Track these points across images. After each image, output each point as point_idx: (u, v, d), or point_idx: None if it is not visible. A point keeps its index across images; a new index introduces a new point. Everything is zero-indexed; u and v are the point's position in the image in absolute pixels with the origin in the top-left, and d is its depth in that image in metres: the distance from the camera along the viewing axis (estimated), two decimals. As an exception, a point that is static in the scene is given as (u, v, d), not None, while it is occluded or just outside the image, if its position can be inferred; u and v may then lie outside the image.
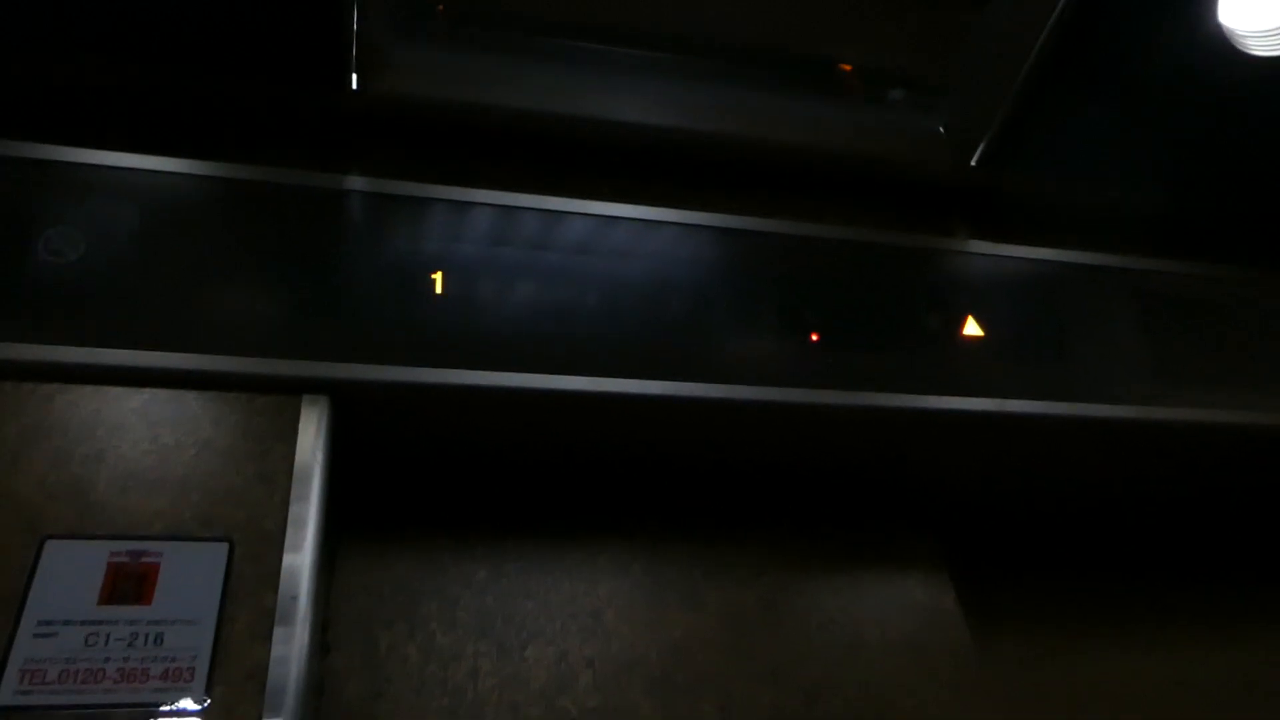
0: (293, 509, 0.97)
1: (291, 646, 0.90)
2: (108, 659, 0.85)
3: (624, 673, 1.18)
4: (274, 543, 0.95)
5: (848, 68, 1.63)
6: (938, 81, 1.56)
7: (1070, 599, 1.55)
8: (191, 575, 0.91)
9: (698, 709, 1.17)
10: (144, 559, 0.91)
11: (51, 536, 0.90)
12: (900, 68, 1.60)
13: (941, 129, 1.50)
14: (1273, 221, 1.66)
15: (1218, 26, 1.32)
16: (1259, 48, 1.36)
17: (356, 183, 1.21)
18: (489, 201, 1.24)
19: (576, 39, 1.46)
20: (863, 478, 1.44)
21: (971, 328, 1.36)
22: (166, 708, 0.84)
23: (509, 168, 1.32)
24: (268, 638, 0.89)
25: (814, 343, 1.28)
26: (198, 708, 0.84)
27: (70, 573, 0.88)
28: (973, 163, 1.45)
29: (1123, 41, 1.33)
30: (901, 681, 1.25)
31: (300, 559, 0.95)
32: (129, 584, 0.89)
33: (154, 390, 1.02)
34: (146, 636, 0.87)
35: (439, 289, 1.16)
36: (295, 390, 1.06)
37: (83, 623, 0.86)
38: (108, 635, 0.86)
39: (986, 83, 1.41)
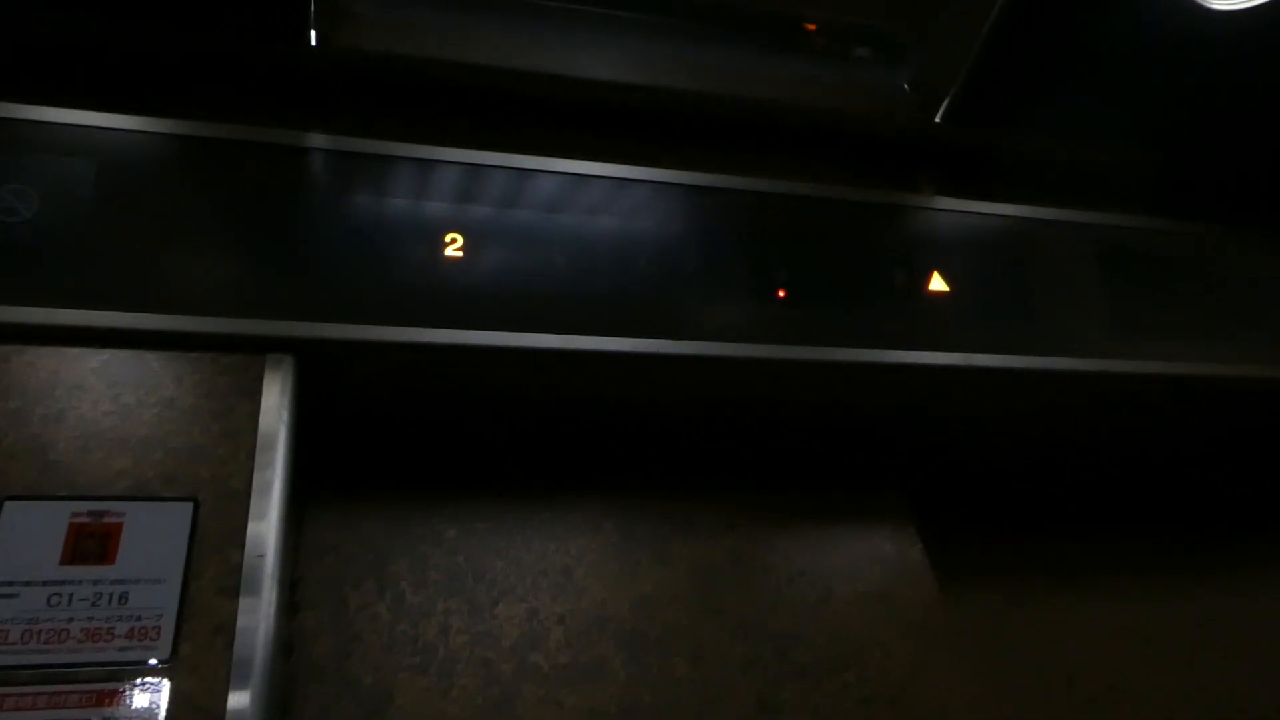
0: (258, 467, 0.97)
1: (258, 605, 0.90)
2: (71, 619, 0.84)
3: (595, 628, 1.18)
4: (239, 501, 0.94)
5: (812, 26, 1.62)
6: (902, 38, 1.55)
7: (1034, 550, 1.58)
8: (156, 534, 0.90)
9: (669, 663, 1.18)
10: (106, 518, 0.90)
11: (11, 497, 0.88)
12: (864, 25, 1.60)
13: (906, 85, 1.50)
14: (1237, 176, 1.68)
15: (1178, -19, 1.33)
16: (1219, 1, 1.37)
17: (318, 140, 1.18)
18: (452, 159, 1.22)
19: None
20: (831, 433, 1.45)
21: (937, 283, 1.37)
22: (132, 666, 0.83)
23: (472, 125, 1.31)
24: (234, 596, 0.89)
25: (780, 299, 1.28)
26: (164, 666, 0.84)
27: (31, 533, 0.87)
28: (937, 119, 1.45)
29: (1085, -4, 1.33)
30: (870, 632, 1.27)
31: (266, 517, 0.94)
32: (91, 544, 0.88)
33: (114, 350, 1.00)
34: (110, 596, 0.86)
35: (403, 246, 1.15)
36: (259, 349, 1.05)
37: (45, 583, 0.85)
38: (70, 595, 0.85)
39: (950, 39, 1.40)
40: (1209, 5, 1.36)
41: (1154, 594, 1.59)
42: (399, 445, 1.25)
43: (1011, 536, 1.59)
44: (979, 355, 1.32)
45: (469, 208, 1.21)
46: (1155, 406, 1.52)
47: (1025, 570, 1.54)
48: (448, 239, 1.18)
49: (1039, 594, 1.52)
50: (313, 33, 1.19)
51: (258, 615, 0.89)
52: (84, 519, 0.89)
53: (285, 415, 1.02)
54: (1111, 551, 1.62)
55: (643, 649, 1.18)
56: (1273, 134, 1.59)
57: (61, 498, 0.90)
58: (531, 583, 1.19)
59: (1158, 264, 1.51)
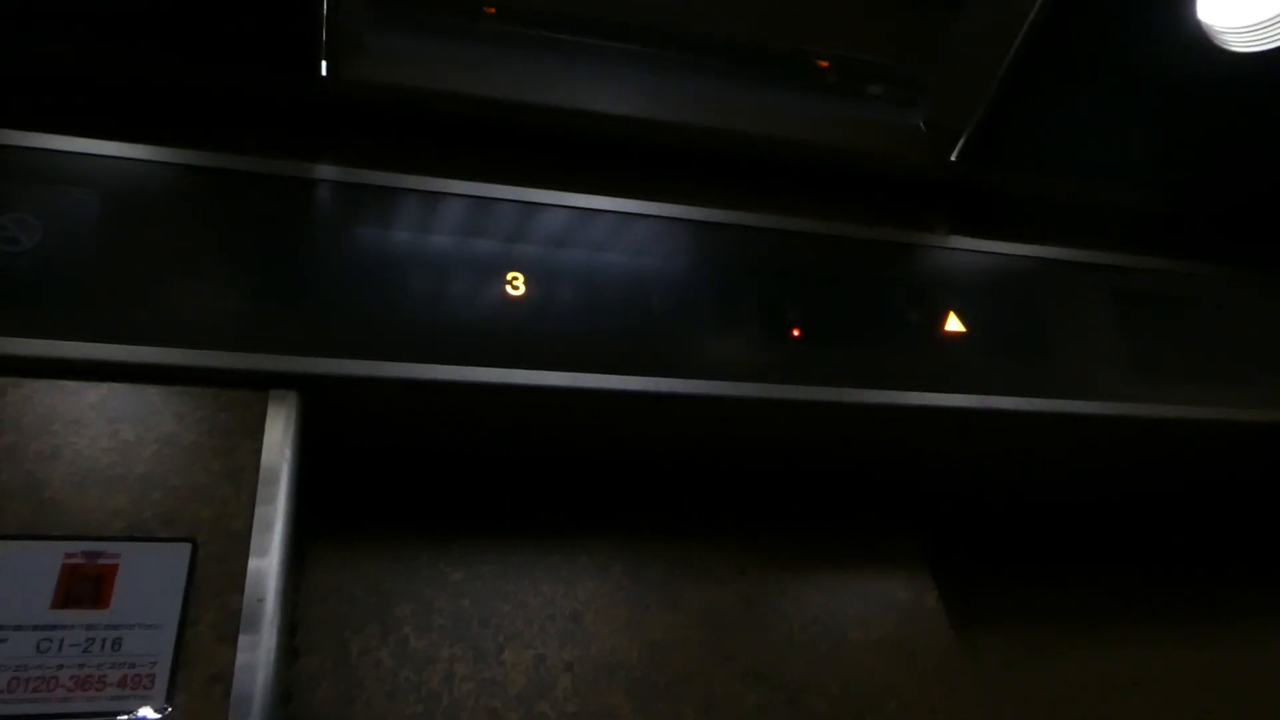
0: (259, 507, 0.94)
1: (258, 651, 0.86)
2: (61, 666, 0.81)
3: (604, 675, 1.14)
4: (240, 542, 0.91)
5: (825, 64, 1.61)
6: (917, 76, 1.54)
7: (1050, 596, 1.55)
8: (152, 577, 0.87)
9: (679, 711, 1.14)
10: (101, 560, 0.86)
11: (2, 537, 0.85)
12: (879, 63, 1.59)
13: (921, 124, 1.49)
14: (1254, 218, 1.67)
15: (1197, 23, 1.32)
16: (1238, 44, 1.36)
17: (327, 171, 1.17)
18: (462, 192, 1.21)
19: (554, 30, 1.43)
20: (844, 475, 1.42)
21: (953, 323, 1.35)
22: (125, 716, 0.80)
23: (483, 158, 1.29)
24: (233, 641, 0.85)
25: (795, 338, 1.26)
26: (158, 716, 0.80)
27: (21, 575, 0.84)
28: (952, 158, 1.44)
29: (1102, 37, 1.33)
30: (885, 680, 1.23)
31: (267, 559, 0.91)
32: (85, 586, 0.85)
33: (114, 385, 0.97)
34: (104, 641, 0.83)
35: (412, 281, 1.13)
36: (263, 385, 1.02)
37: (35, 627, 0.82)
38: (61, 640, 0.82)
39: (966, 79, 1.39)
40: (1228, 47, 1.35)
41: (1170, 641, 1.55)
42: (404, 485, 1.22)
43: (1027, 582, 1.55)
44: (994, 398, 1.29)
45: (478, 242, 1.19)
46: (1172, 450, 1.50)
47: (1041, 617, 1.51)
48: (457, 274, 1.16)
49: (1055, 641, 1.49)
50: (324, 64, 1.18)
51: (256, 662, 0.85)
52: (78, 560, 0.86)
53: (288, 453, 0.99)
54: (1128, 598, 1.59)
55: (653, 697, 1.14)
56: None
57: (55, 538, 0.86)
58: (539, 628, 1.16)
59: (1173, 305, 1.50)
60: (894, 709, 1.22)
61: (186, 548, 0.89)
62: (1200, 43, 1.33)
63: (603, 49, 1.47)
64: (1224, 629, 1.61)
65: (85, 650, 0.82)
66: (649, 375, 1.16)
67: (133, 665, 0.82)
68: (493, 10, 1.38)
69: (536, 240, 1.22)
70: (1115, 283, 1.47)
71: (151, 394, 0.98)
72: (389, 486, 1.21)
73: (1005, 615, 1.48)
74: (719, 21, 1.53)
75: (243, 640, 0.86)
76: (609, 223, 1.27)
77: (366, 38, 1.22)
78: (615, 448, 1.27)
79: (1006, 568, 1.56)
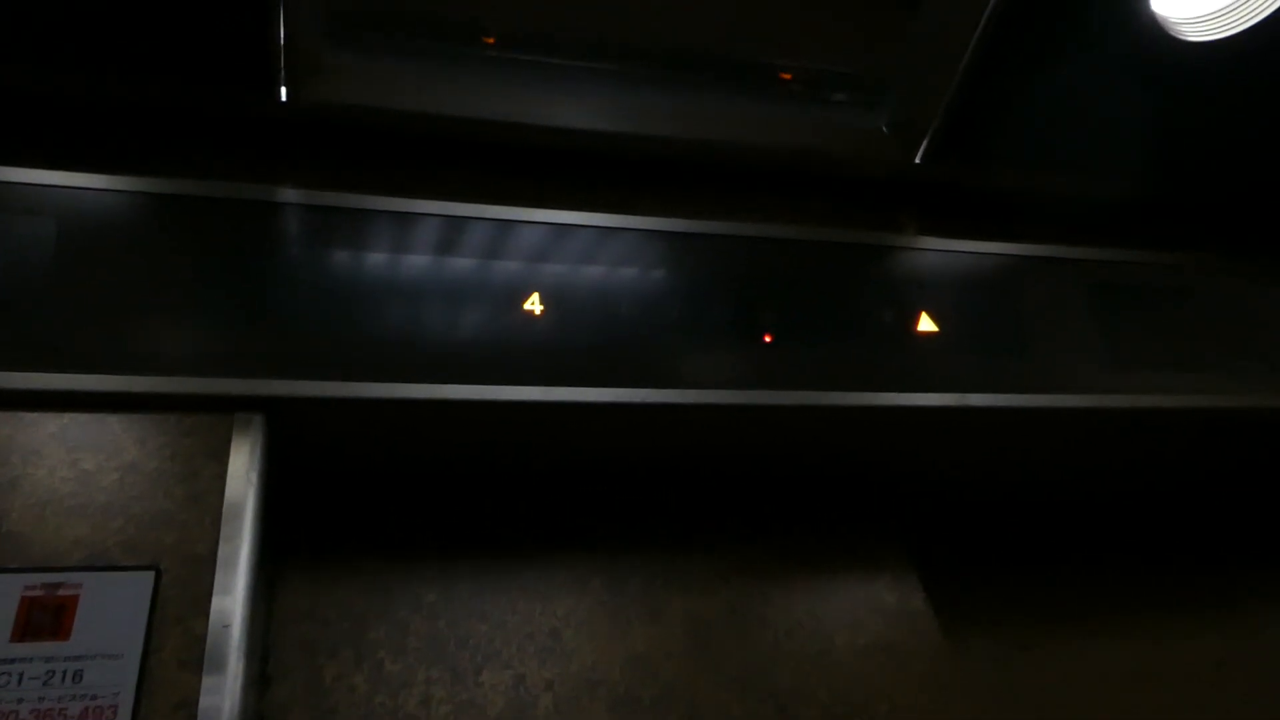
0: (225, 532, 0.92)
1: (224, 678, 0.84)
2: (20, 700, 0.79)
3: (586, 693, 1.12)
4: (204, 568, 0.89)
5: (788, 76, 1.62)
6: (878, 82, 1.55)
7: (1040, 593, 1.53)
8: (114, 606, 0.85)
9: (665, 726, 1.12)
10: (61, 591, 0.85)
11: (-41, 571, 0.83)
12: (840, 70, 1.60)
13: (885, 127, 1.49)
14: (1220, 205, 1.68)
15: (1151, 14, 1.33)
16: (1192, 34, 1.37)
17: (288, 194, 1.16)
18: (426, 211, 1.20)
19: (516, 47, 1.44)
20: (825, 479, 1.41)
21: (925, 323, 1.34)
22: (87, 750, 0.78)
23: (447, 177, 1.29)
24: (197, 669, 0.84)
25: (767, 343, 1.25)
26: (121, 748, 0.78)
27: (-21, 609, 0.82)
28: (917, 159, 1.44)
29: (1058, 32, 1.33)
30: (874, 685, 1.21)
31: (233, 585, 0.89)
32: (45, 618, 0.83)
33: (74, 414, 0.96)
34: (64, 674, 0.81)
35: (378, 301, 1.12)
36: (227, 409, 1.01)
37: (-7, 662, 0.80)
38: (21, 674, 0.80)
39: (925, 80, 1.40)
40: (1184, 38, 1.36)
41: (1166, 634, 1.53)
42: (375, 506, 1.21)
43: (1016, 579, 1.54)
44: (972, 395, 1.29)
45: (444, 260, 1.19)
46: (1155, 441, 1.49)
47: (1032, 614, 1.49)
48: (423, 293, 1.15)
49: (1047, 638, 1.47)
50: (283, 87, 1.18)
51: (223, 690, 0.84)
52: (37, 592, 0.84)
53: (254, 477, 0.97)
54: (1120, 591, 1.57)
55: (636, 712, 1.12)
56: (1251, 160, 1.59)
57: (13, 570, 0.85)
58: (517, 647, 1.14)
59: (1144, 295, 1.50)
60: (885, 713, 1.20)
61: (149, 576, 0.88)
62: (1157, 33, 1.34)
63: (568, 66, 1.47)
64: (1219, 619, 1.59)
65: (45, 683, 0.80)
66: (620, 386, 1.15)
67: (94, 697, 0.80)
68: (456, 29, 1.38)
69: (504, 256, 1.22)
70: (1086, 275, 1.47)
71: (112, 422, 0.97)
72: (360, 507, 1.20)
73: (994, 614, 1.46)
74: (682, 38, 1.54)
75: (209, 667, 0.84)
76: (576, 237, 1.27)
77: (325, 59, 1.22)
78: (590, 460, 1.26)
79: (994, 566, 1.54)
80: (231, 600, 0.88)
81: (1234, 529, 1.74)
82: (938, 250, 1.43)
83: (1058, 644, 1.45)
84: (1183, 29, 1.36)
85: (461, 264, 1.19)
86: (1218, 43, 1.35)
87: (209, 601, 0.87)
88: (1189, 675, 1.47)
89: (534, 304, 1.19)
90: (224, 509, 0.94)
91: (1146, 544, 1.67)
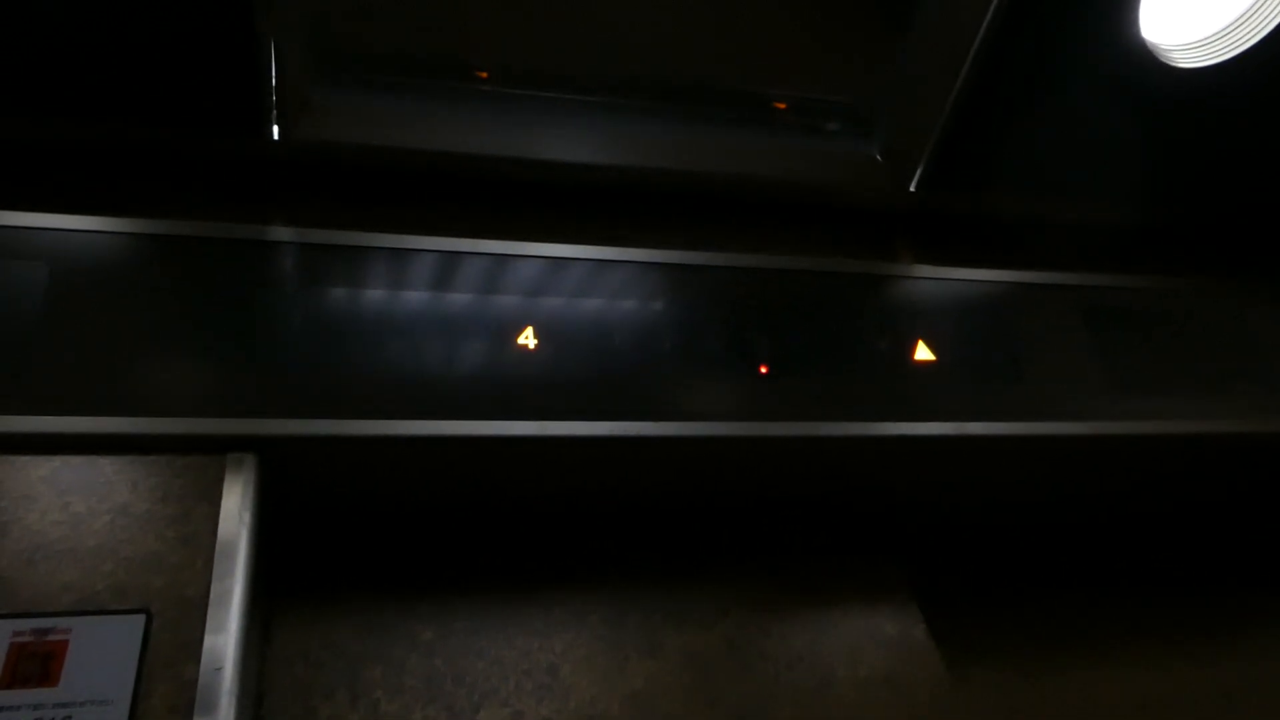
0: (217, 574, 0.92)
1: (217, 722, 0.83)
2: (9, 748, 0.78)
3: (584, 730, 1.11)
4: (196, 611, 0.89)
5: (782, 105, 1.63)
6: (871, 111, 1.56)
7: (1044, 622, 1.51)
8: (104, 651, 0.85)
9: (664, 763, 1.11)
10: (50, 636, 0.84)
11: (-52, 618, 0.83)
12: (833, 99, 1.60)
13: (878, 156, 1.50)
14: (1215, 228, 1.67)
15: (1141, 42, 1.33)
16: (1183, 60, 1.37)
17: (281, 233, 1.17)
18: (417, 247, 1.21)
19: (506, 83, 1.44)
20: (823, 510, 1.40)
21: (922, 352, 1.34)
22: (75, 799, 0.77)
23: (439, 213, 1.29)
24: (188, 714, 0.83)
25: (763, 374, 1.25)
26: (110, 797, 0.77)
27: (-32, 656, 0.81)
28: (911, 188, 1.44)
29: (1049, 59, 1.34)
30: (876, 717, 1.20)
31: (225, 627, 0.89)
32: (33, 665, 0.82)
33: (65, 457, 0.96)
34: (53, 721, 0.80)
35: (370, 338, 1.12)
36: (219, 449, 1.00)
37: (-20, 710, 0.79)
38: (9, 722, 0.79)
39: (918, 109, 1.40)
40: (1175, 64, 1.36)
41: (1173, 663, 1.51)
42: (370, 544, 1.20)
43: (1019, 609, 1.52)
44: (970, 424, 1.28)
45: (441, 296, 1.19)
46: (1156, 466, 1.48)
47: (1035, 643, 1.47)
48: (418, 329, 1.15)
49: (1051, 668, 1.45)
50: (275, 126, 1.18)
51: (215, 734, 0.83)
52: (26, 638, 0.84)
53: (247, 517, 0.97)
54: (1125, 620, 1.55)
55: (635, 750, 1.11)
56: (1244, 184, 1.59)
57: (2, 616, 0.84)
58: (515, 684, 1.13)
59: (1143, 321, 1.49)
60: (887, 747, 1.19)
61: (140, 619, 0.87)
62: (1148, 60, 1.35)
63: (561, 99, 1.48)
64: (1232, 647, 1.57)
65: (34, 731, 0.80)
66: (616, 420, 1.15)
67: (84, 744, 0.80)
68: (448, 65, 1.39)
69: (497, 291, 1.22)
70: (1083, 302, 1.47)
71: (104, 464, 0.96)
72: (354, 546, 1.19)
73: (997, 643, 1.45)
74: (674, 69, 1.55)
75: (200, 711, 0.83)
76: (571, 271, 1.27)
77: (316, 98, 1.23)
78: (585, 494, 1.26)
79: (996, 595, 1.52)
80: (224, 642, 0.88)
81: (1239, 555, 1.72)
82: (933, 278, 1.43)
83: (1061, 674, 1.43)
84: (1173, 55, 1.37)
85: (454, 299, 1.19)
86: (1209, 69, 1.36)
87: (201, 644, 0.87)
88: (1196, 704, 1.44)
89: (528, 338, 1.19)
90: (216, 550, 0.93)
91: (1151, 571, 1.66)
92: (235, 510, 0.96)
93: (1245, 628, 1.61)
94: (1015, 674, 1.41)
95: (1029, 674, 1.42)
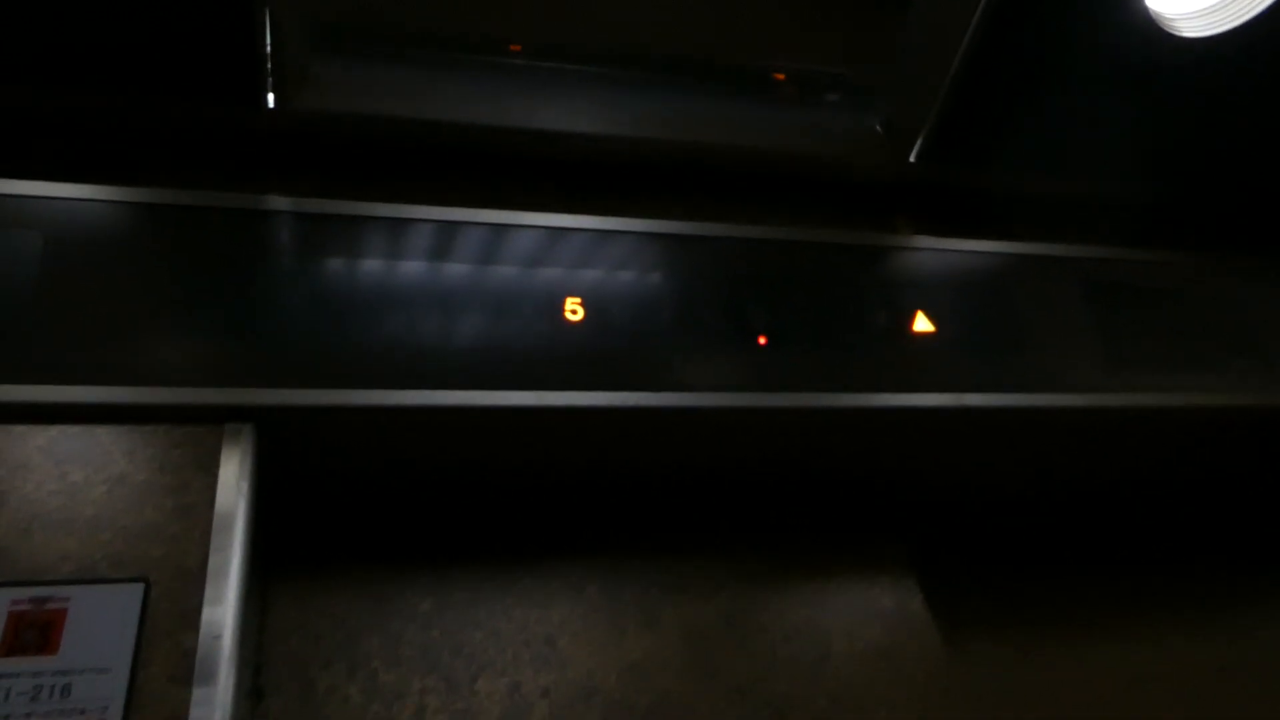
0: (215, 543, 0.91)
1: (215, 691, 0.83)
2: (8, 716, 0.78)
3: (581, 701, 1.12)
4: (194, 580, 0.89)
5: (781, 76, 1.62)
6: (870, 82, 1.55)
7: (1042, 596, 1.51)
8: (103, 620, 0.84)
9: (662, 734, 1.12)
10: (49, 605, 0.84)
11: (-54, 587, 0.83)
12: (833, 71, 1.60)
13: (878, 127, 1.49)
14: (1216, 203, 1.67)
15: (1145, 11, 1.32)
16: (1189, 29, 1.36)
17: (277, 202, 1.16)
18: (415, 217, 1.19)
19: (502, 54, 1.43)
20: (822, 483, 1.40)
21: (922, 323, 1.33)
22: (75, 765, 0.77)
23: (436, 182, 1.28)
24: (188, 682, 0.83)
25: (761, 345, 1.25)
26: (110, 763, 0.77)
27: (-34, 625, 0.81)
28: (911, 159, 1.43)
29: (1052, 29, 1.32)
30: (873, 691, 1.21)
31: (223, 596, 0.88)
32: (32, 633, 0.82)
33: (62, 426, 0.95)
34: (53, 689, 0.80)
35: (369, 308, 1.11)
36: (217, 419, 1.00)
37: (-20, 678, 0.79)
38: (8, 690, 0.79)
39: (918, 79, 1.39)
40: (1179, 34, 1.35)
41: (1172, 638, 1.51)
42: (368, 514, 1.20)
43: (1017, 583, 1.52)
44: (970, 395, 1.28)
45: (438, 266, 1.18)
46: (1154, 440, 1.48)
47: (1034, 618, 1.48)
48: (418, 299, 1.14)
49: (1050, 643, 1.45)
50: (270, 95, 1.17)
51: (214, 703, 0.83)
52: (24, 607, 0.83)
53: (245, 487, 0.97)
54: (1122, 595, 1.56)
55: (633, 720, 1.12)
56: (1248, 158, 1.58)
57: (1, 584, 0.84)
58: (513, 655, 1.13)
59: (1144, 294, 1.49)
60: (884, 719, 1.19)
61: (138, 588, 0.87)
62: (1153, 30, 1.33)
63: (558, 70, 1.47)
64: (1231, 621, 1.57)
65: (33, 699, 0.80)
66: (615, 390, 1.15)
67: (83, 711, 0.80)
68: (445, 35, 1.38)
69: (496, 261, 1.21)
70: (1083, 274, 1.46)
71: (101, 434, 0.96)
72: (352, 516, 1.19)
73: (995, 617, 1.45)
74: (673, 41, 1.54)
75: (199, 680, 0.83)
76: (570, 241, 1.26)
77: (312, 67, 1.22)
78: (584, 465, 1.25)
79: (994, 569, 1.53)
80: (222, 612, 0.88)
81: (1237, 531, 1.73)
82: (933, 250, 1.42)
83: (1058, 648, 1.43)
84: (1178, 24, 1.36)
85: (451, 269, 1.18)
86: (1215, 38, 1.34)
87: (199, 614, 0.87)
88: (1192, 679, 1.45)
89: (525, 308, 1.18)
90: (214, 520, 0.93)
91: (1148, 546, 1.66)
92: (233, 480, 0.96)
93: (1239, 603, 1.62)
94: (1011, 648, 1.42)
95: (1025, 648, 1.42)
